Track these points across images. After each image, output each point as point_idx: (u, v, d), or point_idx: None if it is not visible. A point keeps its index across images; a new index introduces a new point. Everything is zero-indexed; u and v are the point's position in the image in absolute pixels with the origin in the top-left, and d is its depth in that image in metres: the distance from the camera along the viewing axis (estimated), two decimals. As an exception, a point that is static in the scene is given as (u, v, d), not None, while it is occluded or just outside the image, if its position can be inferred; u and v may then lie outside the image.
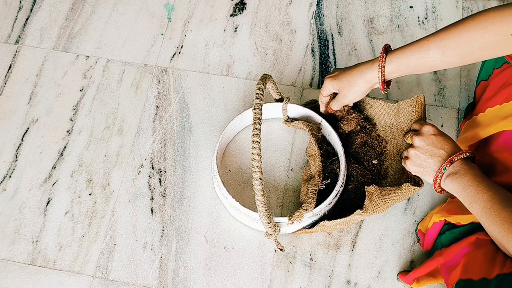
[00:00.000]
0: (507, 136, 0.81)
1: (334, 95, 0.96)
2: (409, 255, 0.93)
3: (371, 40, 1.14)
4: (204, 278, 0.93)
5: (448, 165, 0.80)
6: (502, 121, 0.82)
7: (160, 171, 1.03)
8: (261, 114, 0.86)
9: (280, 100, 1.02)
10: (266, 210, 0.85)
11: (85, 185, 1.02)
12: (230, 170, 1.02)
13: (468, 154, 0.81)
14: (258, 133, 0.84)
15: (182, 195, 1.00)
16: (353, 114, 0.98)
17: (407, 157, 0.88)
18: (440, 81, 1.09)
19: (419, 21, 1.16)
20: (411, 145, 0.88)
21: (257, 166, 0.83)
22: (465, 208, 0.80)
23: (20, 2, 1.23)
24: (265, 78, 0.92)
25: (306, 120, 1.03)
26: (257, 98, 0.87)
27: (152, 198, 1.00)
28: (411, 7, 1.18)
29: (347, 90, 0.90)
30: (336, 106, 0.95)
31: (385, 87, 0.86)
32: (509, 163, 0.80)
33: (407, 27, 1.16)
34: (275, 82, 0.98)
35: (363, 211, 0.88)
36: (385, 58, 0.83)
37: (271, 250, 0.95)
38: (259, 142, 0.84)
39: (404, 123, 0.97)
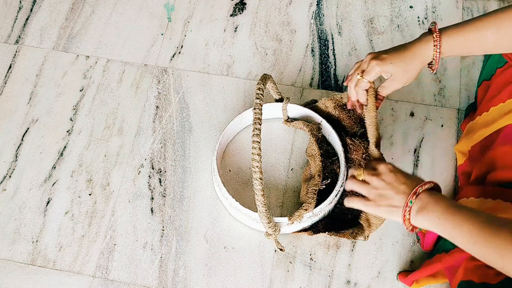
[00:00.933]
0: (508, 129, 0.81)
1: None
2: (409, 255, 0.93)
3: (371, 40, 1.14)
4: (204, 278, 0.93)
5: (413, 198, 0.74)
6: (505, 116, 0.82)
7: (160, 171, 1.03)
8: (261, 114, 0.85)
9: (280, 100, 1.02)
10: (266, 210, 0.85)
11: (85, 185, 1.02)
12: (230, 170, 1.02)
13: (432, 185, 0.76)
14: (258, 133, 0.84)
15: (182, 195, 1.00)
16: (358, 141, 0.96)
17: (366, 199, 0.81)
18: (440, 81, 1.09)
19: (419, 21, 1.16)
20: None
21: (257, 166, 0.83)
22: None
23: (20, 2, 1.23)
24: (265, 78, 0.92)
25: (306, 120, 1.03)
26: (257, 98, 0.87)
27: (152, 198, 1.00)
28: (411, 7, 1.18)
29: (402, 74, 0.84)
30: (387, 91, 0.87)
31: (437, 66, 0.82)
32: (509, 156, 0.80)
33: (407, 27, 1.16)
34: (275, 82, 0.98)
35: (364, 239, 0.92)
36: (440, 36, 0.79)
37: (271, 250, 0.95)
38: (259, 142, 0.84)
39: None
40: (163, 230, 0.97)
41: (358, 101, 0.90)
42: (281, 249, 0.91)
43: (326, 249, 0.94)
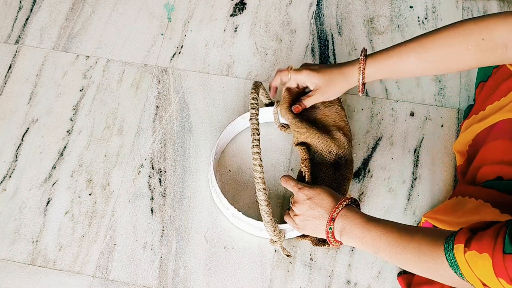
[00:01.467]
0: (500, 125, 0.82)
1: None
2: (409, 255, 0.93)
3: (371, 40, 1.14)
4: (204, 278, 0.93)
5: (331, 224, 0.80)
6: (497, 112, 0.83)
7: (160, 171, 1.03)
8: (259, 124, 0.86)
9: (271, 104, 1.02)
10: (271, 219, 0.86)
11: (85, 185, 1.02)
12: (230, 170, 1.02)
13: (346, 202, 0.81)
14: (258, 143, 0.84)
15: (182, 195, 1.00)
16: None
17: (296, 225, 0.88)
18: (440, 81, 1.09)
19: (419, 21, 1.16)
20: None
21: (259, 177, 0.83)
22: (452, 211, 0.80)
23: (20, 2, 1.23)
24: (257, 86, 0.92)
25: None
26: (253, 108, 0.88)
27: (152, 198, 1.00)
28: (411, 7, 1.18)
29: (327, 88, 0.91)
30: (310, 102, 0.95)
31: (363, 88, 0.87)
32: (498, 149, 0.81)
33: (407, 27, 1.16)
34: (264, 87, 0.98)
35: None
36: (365, 61, 0.84)
37: (271, 250, 0.95)
38: (260, 153, 0.84)
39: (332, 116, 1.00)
40: (163, 230, 0.97)
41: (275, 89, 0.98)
42: (287, 255, 0.91)
43: (326, 249, 0.94)
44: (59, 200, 1.01)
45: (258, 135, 0.85)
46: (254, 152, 0.84)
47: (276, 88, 0.98)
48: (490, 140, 0.83)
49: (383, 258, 0.75)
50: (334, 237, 0.81)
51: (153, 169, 1.03)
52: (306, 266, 0.93)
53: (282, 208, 0.98)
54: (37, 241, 0.97)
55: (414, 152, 1.03)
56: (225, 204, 0.93)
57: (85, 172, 1.03)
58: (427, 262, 0.66)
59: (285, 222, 0.90)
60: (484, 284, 0.61)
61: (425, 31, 1.15)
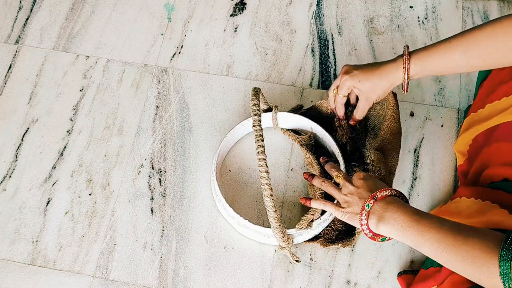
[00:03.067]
0: (503, 127, 0.81)
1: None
2: (409, 255, 0.93)
3: (371, 40, 1.14)
4: (204, 278, 0.93)
5: (371, 201, 0.74)
6: (500, 114, 0.82)
7: (160, 171, 1.03)
8: (262, 130, 0.85)
9: (269, 110, 1.02)
10: (279, 225, 0.85)
11: (85, 185, 1.02)
12: (230, 170, 1.02)
13: (394, 192, 0.76)
14: (263, 150, 0.84)
15: (182, 195, 1.00)
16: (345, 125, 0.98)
17: (337, 204, 0.83)
18: (440, 81, 1.09)
19: (419, 21, 1.16)
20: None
21: (266, 184, 0.83)
22: (458, 212, 0.80)
23: (20, 2, 1.23)
24: (257, 92, 0.91)
25: (297, 127, 1.03)
26: (255, 115, 0.87)
27: (152, 198, 1.00)
28: (411, 7, 1.18)
29: (371, 92, 0.88)
30: (361, 113, 0.93)
31: (407, 87, 0.85)
32: (503, 152, 0.80)
33: (407, 27, 1.16)
34: (263, 93, 0.97)
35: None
36: (409, 60, 0.82)
37: (271, 250, 0.95)
38: (265, 159, 0.83)
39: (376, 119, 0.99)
40: (163, 230, 0.97)
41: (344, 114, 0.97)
42: (297, 261, 0.91)
43: (326, 249, 0.94)
44: (59, 200, 1.01)
45: (263, 141, 0.84)
46: (260, 159, 0.83)
47: (345, 115, 0.96)
48: (493, 141, 0.82)
49: (424, 253, 0.69)
50: (367, 220, 0.74)
51: (153, 169, 1.03)
52: (306, 266, 0.93)
53: (282, 208, 0.98)
54: (37, 241, 0.97)
55: (414, 152, 1.03)
56: (230, 213, 0.92)
57: (85, 172, 1.03)
58: (479, 269, 0.61)
59: (292, 227, 0.89)
60: None
61: (425, 31, 1.15)
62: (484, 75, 0.92)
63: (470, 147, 0.90)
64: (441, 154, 1.02)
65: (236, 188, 1.00)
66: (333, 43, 1.15)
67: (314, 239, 0.93)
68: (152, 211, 0.99)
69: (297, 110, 1.04)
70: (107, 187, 1.02)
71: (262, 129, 0.86)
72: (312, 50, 1.14)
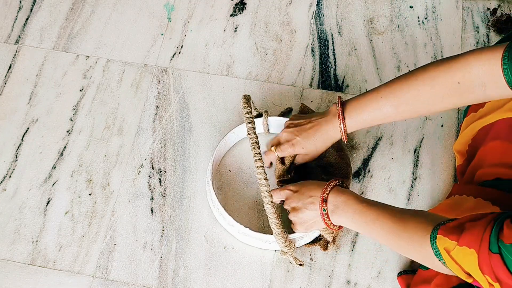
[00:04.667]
0: (499, 124, 0.82)
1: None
2: (409, 255, 0.93)
3: (371, 40, 1.14)
4: (204, 278, 0.93)
5: (324, 206, 0.81)
6: (497, 110, 0.82)
7: (160, 171, 1.03)
8: (257, 137, 0.85)
9: (259, 115, 1.01)
10: (282, 231, 0.85)
11: (85, 185, 1.02)
12: (230, 170, 1.02)
13: (335, 182, 0.83)
14: (260, 157, 0.84)
15: (182, 195, 1.00)
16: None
17: (293, 224, 0.89)
18: (440, 81, 1.09)
19: (419, 21, 1.16)
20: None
21: (266, 191, 0.83)
22: (451, 210, 0.80)
23: (20, 2, 1.23)
24: (248, 100, 0.92)
25: None
26: (249, 123, 0.87)
27: (152, 198, 1.00)
28: (411, 7, 1.18)
29: (316, 153, 0.93)
30: (299, 159, 0.96)
31: (346, 138, 0.89)
32: (497, 151, 0.80)
33: (407, 27, 1.16)
34: (252, 100, 0.97)
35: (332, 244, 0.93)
36: (344, 119, 0.85)
37: (271, 250, 0.95)
38: (263, 167, 0.84)
39: None
40: (163, 230, 0.97)
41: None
42: (300, 265, 0.90)
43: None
44: (59, 200, 1.01)
45: (259, 148, 0.84)
46: (257, 166, 0.84)
47: (270, 164, 0.99)
48: (489, 140, 0.83)
49: (374, 238, 0.77)
50: (330, 219, 0.82)
51: (153, 169, 1.03)
52: (306, 266, 0.93)
53: (282, 207, 0.98)
54: (37, 241, 0.97)
55: (414, 152, 1.03)
56: (230, 222, 0.91)
57: (85, 172, 1.03)
58: (419, 251, 0.67)
59: (294, 232, 0.90)
60: (467, 273, 0.62)
61: (425, 31, 1.15)
62: None
63: (469, 146, 0.90)
64: (441, 154, 1.02)
65: (236, 188, 1.00)
66: (333, 43, 1.15)
67: (315, 241, 0.94)
68: (152, 211, 0.99)
69: (286, 113, 1.04)
70: (107, 187, 1.02)
71: (257, 136, 0.86)
72: (312, 50, 1.14)
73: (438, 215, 0.71)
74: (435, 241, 0.64)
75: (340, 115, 0.85)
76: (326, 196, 0.81)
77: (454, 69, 0.71)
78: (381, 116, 0.82)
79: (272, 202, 0.83)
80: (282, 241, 0.86)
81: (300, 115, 0.97)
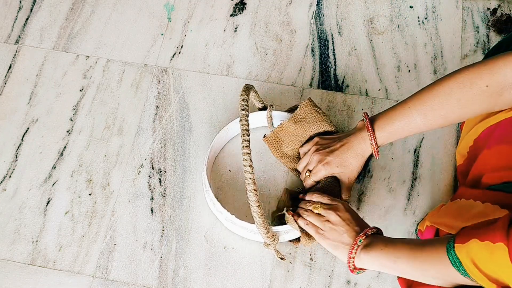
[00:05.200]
0: (503, 125, 0.81)
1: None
2: (409, 255, 0.93)
3: (371, 40, 1.14)
4: (204, 278, 0.93)
5: (363, 237, 0.79)
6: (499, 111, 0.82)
7: (160, 171, 1.03)
8: (248, 125, 0.86)
9: (264, 108, 1.01)
10: (263, 220, 0.85)
11: (85, 185, 1.02)
12: (230, 170, 1.02)
13: (376, 230, 0.81)
14: (248, 144, 0.84)
15: (182, 195, 1.00)
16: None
17: (319, 229, 0.86)
18: (440, 81, 1.09)
19: (419, 21, 1.16)
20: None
21: (250, 178, 0.83)
22: (458, 215, 0.80)
23: (20, 2, 1.23)
24: (247, 88, 0.92)
25: None
26: (243, 110, 0.87)
27: (152, 198, 1.00)
28: (411, 7, 1.18)
29: (351, 173, 0.90)
30: (348, 193, 0.94)
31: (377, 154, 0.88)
32: (504, 155, 0.80)
33: (407, 27, 1.16)
34: (256, 91, 0.97)
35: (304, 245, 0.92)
36: (374, 134, 0.84)
37: (271, 250, 0.95)
38: (250, 154, 0.84)
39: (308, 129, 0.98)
40: (163, 230, 0.97)
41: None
42: (281, 258, 0.90)
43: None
44: (59, 200, 1.01)
45: (248, 135, 0.85)
46: (244, 153, 0.84)
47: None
48: (493, 143, 0.82)
49: (399, 272, 0.75)
50: (356, 253, 0.79)
51: (153, 169, 1.03)
52: (306, 266, 0.93)
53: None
54: (37, 241, 0.97)
55: (414, 152, 1.03)
56: (218, 208, 0.92)
57: (85, 172, 1.03)
58: (439, 269, 0.66)
59: (280, 224, 0.89)
60: (493, 280, 0.60)
61: (425, 31, 1.15)
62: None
63: (470, 148, 0.90)
64: (441, 154, 1.02)
65: (236, 188, 1.00)
66: (333, 43, 1.15)
67: (297, 240, 0.93)
68: (152, 211, 0.99)
69: (293, 110, 1.04)
70: (107, 187, 1.02)
71: (248, 124, 0.86)
72: (312, 50, 1.14)
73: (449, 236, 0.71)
74: (453, 250, 0.63)
75: (369, 127, 0.84)
76: (370, 232, 0.80)
77: (482, 73, 0.71)
78: (410, 126, 0.81)
79: (255, 190, 0.83)
80: (264, 231, 0.85)
81: (326, 137, 0.95)
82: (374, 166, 1.01)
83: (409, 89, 1.08)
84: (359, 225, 0.82)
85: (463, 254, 0.62)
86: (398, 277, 0.91)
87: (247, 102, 0.89)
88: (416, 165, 1.01)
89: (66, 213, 1.00)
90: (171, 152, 1.04)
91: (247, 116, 0.87)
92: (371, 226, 0.82)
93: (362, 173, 1.01)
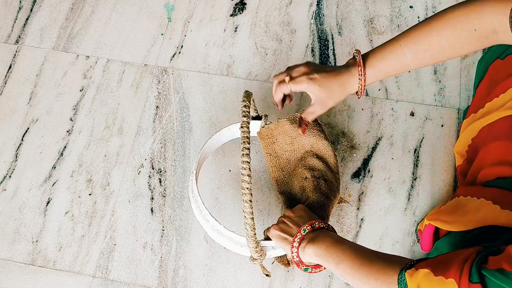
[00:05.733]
0: (500, 124, 0.82)
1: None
2: (409, 255, 0.93)
3: (371, 40, 1.14)
4: (204, 278, 0.93)
5: (308, 227, 0.79)
6: (498, 109, 0.83)
7: (160, 171, 1.03)
8: (249, 133, 0.83)
9: (258, 118, 0.99)
10: (254, 234, 0.81)
11: (85, 185, 1.02)
12: (230, 170, 1.02)
13: (329, 227, 0.81)
14: (248, 152, 0.81)
15: (182, 195, 1.00)
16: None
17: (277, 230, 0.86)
18: (440, 81, 1.09)
19: (419, 21, 1.16)
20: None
21: (247, 188, 0.79)
22: (454, 211, 0.80)
23: (20, 2, 1.23)
24: (248, 95, 0.89)
25: None
26: (244, 116, 0.84)
27: (152, 198, 1.00)
28: (411, 7, 1.18)
29: (326, 98, 0.86)
30: (313, 117, 0.91)
31: (363, 93, 0.85)
32: (497, 150, 0.80)
33: (407, 27, 1.16)
34: (254, 100, 0.95)
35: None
36: (364, 69, 0.83)
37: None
38: (249, 163, 0.81)
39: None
40: (163, 230, 0.97)
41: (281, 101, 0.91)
42: (267, 275, 0.89)
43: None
44: (59, 200, 1.01)
45: (249, 143, 0.82)
46: (243, 161, 0.80)
47: (282, 101, 0.91)
48: (490, 141, 0.83)
49: (340, 271, 0.75)
50: (299, 244, 0.79)
51: (153, 169, 1.03)
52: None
53: (281, 209, 0.98)
54: (37, 241, 0.97)
55: (414, 152, 1.03)
56: (205, 216, 0.87)
57: (85, 172, 1.03)
58: (381, 284, 0.67)
59: (267, 239, 0.87)
60: None
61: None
62: (480, 77, 0.93)
63: (469, 147, 0.90)
64: (441, 154, 1.02)
65: (237, 188, 1.00)
66: (333, 43, 1.15)
67: (284, 256, 0.92)
68: (152, 211, 0.99)
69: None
70: (107, 187, 1.02)
71: (249, 131, 0.83)
72: (312, 50, 1.14)
73: (409, 259, 0.71)
74: (404, 276, 0.64)
75: (361, 63, 0.82)
76: (316, 225, 0.80)
77: (471, 17, 0.73)
78: (400, 65, 0.80)
79: (250, 201, 0.80)
80: (253, 245, 0.82)
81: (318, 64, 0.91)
82: (374, 166, 1.01)
83: (409, 89, 1.08)
84: (309, 220, 0.83)
85: (413, 279, 0.62)
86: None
87: (249, 108, 0.87)
88: (416, 165, 1.01)
89: (66, 213, 1.00)
90: (171, 152, 1.04)
91: (249, 124, 0.84)
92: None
93: (362, 173, 1.01)
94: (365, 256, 0.72)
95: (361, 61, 0.83)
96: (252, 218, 0.80)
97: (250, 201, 0.79)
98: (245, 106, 0.86)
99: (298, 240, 0.79)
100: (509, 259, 0.56)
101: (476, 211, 0.77)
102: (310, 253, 0.77)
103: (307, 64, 0.88)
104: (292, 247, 0.79)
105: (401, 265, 0.66)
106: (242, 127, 0.83)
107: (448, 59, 0.80)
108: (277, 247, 0.86)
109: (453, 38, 0.75)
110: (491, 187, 0.79)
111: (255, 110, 0.99)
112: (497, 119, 0.82)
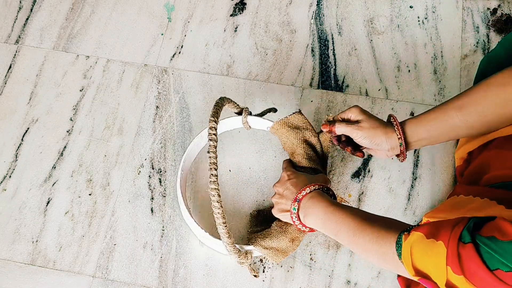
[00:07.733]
0: (499, 140, 0.82)
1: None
2: (409, 255, 0.93)
3: (371, 40, 1.14)
4: (204, 278, 0.93)
5: (294, 204, 0.82)
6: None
7: (160, 171, 1.03)
8: (216, 158, 0.82)
9: (239, 113, 0.98)
10: (234, 248, 0.84)
11: (85, 185, 1.02)
12: (230, 170, 1.02)
13: (316, 186, 0.83)
14: (215, 179, 0.81)
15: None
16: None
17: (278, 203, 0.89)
18: (440, 81, 1.09)
19: (419, 21, 1.16)
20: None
21: (219, 213, 0.82)
22: (455, 209, 0.80)
23: (20, 2, 1.23)
24: (216, 112, 0.87)
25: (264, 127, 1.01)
26: (211, 140, 0.82)
27: (152, 198, 1.00)
28: (411, 7, 1.18)
29: (370, 133, 0.84)
30: (352, 132, 0.87)
31: (404, 155, 0.84)
32: (503, 158, 0.80)
33: (407, 27, 1.16)
34: (230, 100, 0.93)
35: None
36: (401, 127, 0.82)
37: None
38: (218, 189, 0.81)
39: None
40: (163, 230, 0.97)
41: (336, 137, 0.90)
42: (255, 276, 0.91)
43: (326, 249, 0.94)
44: (59, 200, 1.01)
45: (216, 169, 0.81)
46: (212, 188, 0.81)
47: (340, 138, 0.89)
48: (492, 147, 0.83)
49: (342, 242, 0.77)
50: (298, 219, 0.83)
51: (153, 169, 1.03)
52: (306, 266, 0.93)
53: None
54: (37, 241, 0.97)
55: (414, 152, 1.03)
56: (191, 224, 0.91)
57: (85, 172, 1.03)
58: (380, 247, 0.69)
59: (252, 244, 0.90)
60: (416, 269, 0.63)
61: (425, 31, 1.15)
62: (479, 78, 0.92)
63: (469, 153, 0.90)
64: (441, 154, 1.02)
65: (236, 188, 1.00)
66: (333, 43, 1.15)
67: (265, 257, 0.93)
68: (152, 211, 0.99)
69: (265, 113, 1.00)
70: (107, 187, 1.02)
71: (216, 156, 0.82)
72: (312, 50, 1.14)
73: (406, 223, 0.72)
74: (401, 238, 0.65)
75: (396, 120, 0.81)
76: (300, 197, 0.82)
77: None
78: (446, 125, 0.78)
79: (224, 223, 0.82)
80: (235, 256, 0.85)
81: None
82: (374, 166, 1.01)
83: (409, 89, 1.08)
84: (294, 190, 0.84)
85: (407, 242, 0.64)
86: (398, 277, 0.91)
87: (216, 130, 0.84)
88: (416, 165, 1.01)
89: (66, 213, 1.00)
90: (171, 152, 1.04)
91: (215, 147, 0.82)
92: (309, 184, 0.84)
93: (362, 173, 1.01)
94: (361, 222, 0.74)
95: (398, 123, 0.82)
96: (229, 237, 0.83)
97: (224, 223, 0.82)
98: (211, 128, 0.84)
99: (296, 217, 0.83)
100: (500, 229, 0.57)
101: (479, 210, 0.77)
102: (311, 225, 0.82)
103: (360, 110, 0.86)
104: (294, 223, 0.84)
105: (400, 229, 0.68)
106: (209, 151, 0.83)
107: (499, 121, 0.77)
108: (255, 249, 0.89)
109: (498, 95, 0.74)
110: (497, 188, 0.79)
111: (236, 106, 0.96)
112: (496, 138, 0.82)
